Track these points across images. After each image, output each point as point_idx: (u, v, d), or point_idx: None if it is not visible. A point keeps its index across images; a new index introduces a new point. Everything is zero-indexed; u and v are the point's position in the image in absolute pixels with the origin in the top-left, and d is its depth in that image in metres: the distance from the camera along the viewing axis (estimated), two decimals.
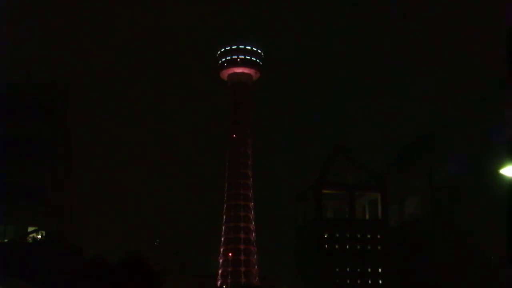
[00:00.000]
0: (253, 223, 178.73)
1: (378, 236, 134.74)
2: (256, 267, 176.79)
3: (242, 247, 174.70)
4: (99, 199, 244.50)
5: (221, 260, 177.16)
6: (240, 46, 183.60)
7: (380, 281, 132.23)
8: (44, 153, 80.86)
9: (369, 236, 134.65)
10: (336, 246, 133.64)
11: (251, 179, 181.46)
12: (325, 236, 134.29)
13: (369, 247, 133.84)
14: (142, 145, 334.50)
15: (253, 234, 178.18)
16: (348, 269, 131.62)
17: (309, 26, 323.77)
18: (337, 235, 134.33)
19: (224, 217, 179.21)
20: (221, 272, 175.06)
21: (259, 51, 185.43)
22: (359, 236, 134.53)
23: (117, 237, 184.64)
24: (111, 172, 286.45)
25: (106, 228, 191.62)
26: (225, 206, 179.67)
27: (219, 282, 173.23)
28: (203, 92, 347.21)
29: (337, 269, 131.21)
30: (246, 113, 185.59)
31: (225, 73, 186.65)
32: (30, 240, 79.41)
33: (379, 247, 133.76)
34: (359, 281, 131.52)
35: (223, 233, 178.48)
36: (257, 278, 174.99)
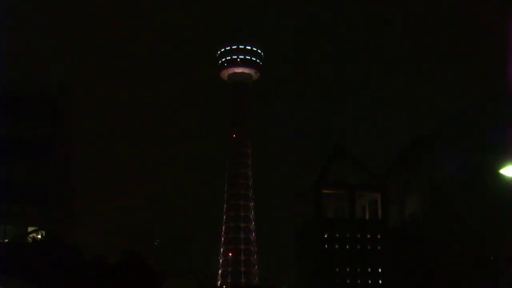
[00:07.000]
0: (253, 223, 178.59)
1: (378, 236, 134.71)
2: (256, 267, 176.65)
3: (242, 247, 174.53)
4: (99, 199, 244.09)
5: (221, 260, 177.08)
6: (240, 46, 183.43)
7: (380, 281, 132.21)
8: (44, 153, 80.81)
9: (369, 236, 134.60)
10: (336, 246, 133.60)
11: (251, 179, 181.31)
12: (325, 236, 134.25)
13: (369, 247, 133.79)
14: (142, 145, 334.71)
15: (253, 234, 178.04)
16: (348, 269, 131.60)
17: (309, 26, 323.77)
18: (337, 235, 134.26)
19: (224, 217, 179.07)
20: (221, 272, 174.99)
21: (259, 51, 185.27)
22: (359, 236, 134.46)
23: (117, 237, 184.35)
24: (111, 172, 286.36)
25: (106, 228, 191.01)
26: (225, 206, 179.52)
27: (219, 282, 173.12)
28: (203, 92, 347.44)
29: (337, 269, 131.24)
30: (246, 113, 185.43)
31: (225, 73, 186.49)
32: (30, 240, 79.34)
33: (379, 247, 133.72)
34: (359, 281, 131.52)
35: (223, 233, 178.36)
36: (257, 278, 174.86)
